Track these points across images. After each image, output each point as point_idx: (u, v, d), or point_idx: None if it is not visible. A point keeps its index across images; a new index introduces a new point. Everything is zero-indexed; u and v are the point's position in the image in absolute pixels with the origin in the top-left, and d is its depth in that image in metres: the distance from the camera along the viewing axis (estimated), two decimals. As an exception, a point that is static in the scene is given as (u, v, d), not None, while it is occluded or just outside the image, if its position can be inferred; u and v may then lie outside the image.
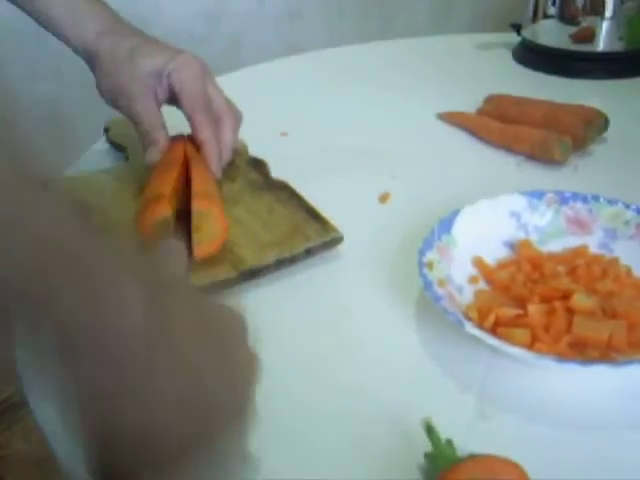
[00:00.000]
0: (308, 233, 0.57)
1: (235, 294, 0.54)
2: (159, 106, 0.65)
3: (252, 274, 0.54)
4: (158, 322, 0.27)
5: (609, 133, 0.74)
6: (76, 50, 0.67)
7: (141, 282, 0.26)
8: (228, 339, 0.33)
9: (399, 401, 0.44)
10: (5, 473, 1.44)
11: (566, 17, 0.97)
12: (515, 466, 0.35)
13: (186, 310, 0.30)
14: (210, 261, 0.55)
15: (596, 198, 0.56)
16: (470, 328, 0.44)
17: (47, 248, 0.24)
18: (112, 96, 0.65)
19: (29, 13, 0.69)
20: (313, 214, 0.59)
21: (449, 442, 0.38)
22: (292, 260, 0.56)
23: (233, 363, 0.33)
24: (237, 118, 0.67)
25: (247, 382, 0.34)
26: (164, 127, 0.64)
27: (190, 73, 0.64)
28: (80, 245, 0.25)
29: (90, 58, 0.66)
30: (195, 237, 0.54)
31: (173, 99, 0.65)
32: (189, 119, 0.64)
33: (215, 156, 0.63)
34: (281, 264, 0.55)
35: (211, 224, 0.55)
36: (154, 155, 0.63)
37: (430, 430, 0.38)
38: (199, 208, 0.55)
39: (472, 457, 0.35)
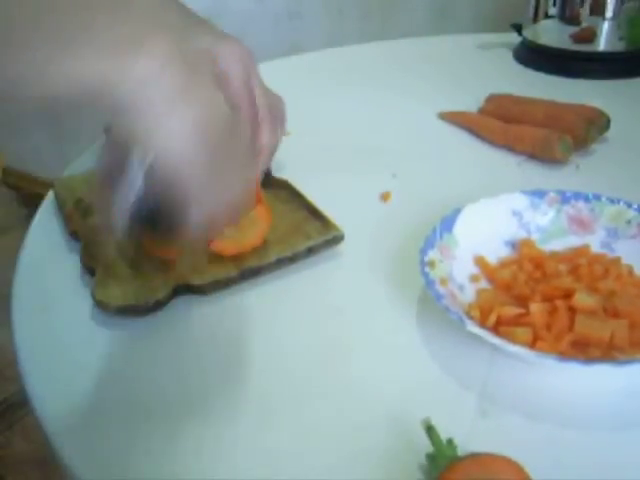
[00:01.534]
0: (309, 232, 0.57)
1: (236, 292, 0.54)
2: None
3: (253, 273, 0.54)
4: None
5: (610, 133, 0.74)
6: None
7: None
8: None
9: (400, 400, 0.44)
10: (5, 473, 1.44)
11: (567, 17, 0.97)
12: (515, 465, 0.35)
13: None
14: (212, 260, 0.55)
15: (598, 197, 0.56)
16: (472, 327, 0.44)
17: None
18: None
19: None
20: (314, 212, 0.59)
21: (450, 442, 0.38)
22: (293, 259, 0.56)
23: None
24: (279, 118, 0.65)
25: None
26: None
27: (234, 58, 0.62)
28: None
29: None
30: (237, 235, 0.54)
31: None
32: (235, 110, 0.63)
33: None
34: (282, 263, 0.55)
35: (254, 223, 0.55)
36: None
37: (430, 430, 0.38)
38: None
39: (471, 456, 0.35)
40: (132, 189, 0.38)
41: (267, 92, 0.64)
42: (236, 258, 0.55)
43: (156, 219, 0.40)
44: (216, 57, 0.60)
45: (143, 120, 0.36)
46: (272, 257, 0.55)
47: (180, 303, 0.53)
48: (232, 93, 0.61)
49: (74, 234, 0.60)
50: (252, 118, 0.61)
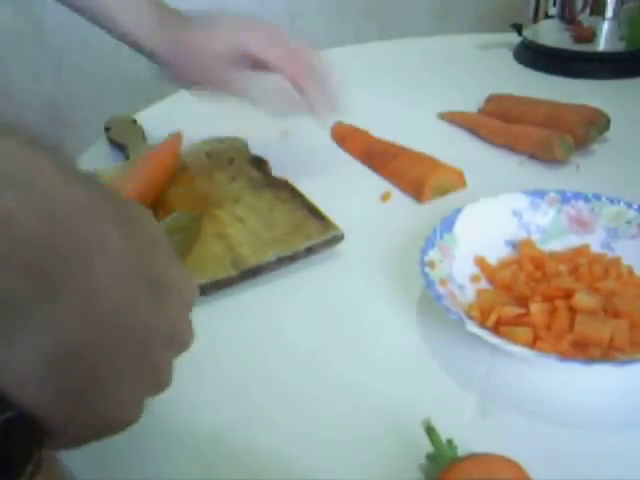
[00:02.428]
0: (309, 231, 0.57)
1: (236, 292, 0.54)
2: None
3: (253, 273, 0.54)
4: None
5: (610, 133, 0.74)
6: (138, 47, 0.66)
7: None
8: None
9: (400, 400, 0.44)
10: (4, 473, 1.44)
11: (567, 17, 0.97)
12: (514, 465, 0.35)
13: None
14: (211, 259, 0.54)
15: (598, 197, 0.56)
16: (472, 327, 0.44)
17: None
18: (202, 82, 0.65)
19: (81, 11, 0.67)
20: (314, 212, 0.59)
21: (450, 442, 0.37)
22: (293, 258, 0.56)
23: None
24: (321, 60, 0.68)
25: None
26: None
27: (267, 39, 0.66)
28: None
29: (153, 52, 0.65)
30: None
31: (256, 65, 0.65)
32: (295, 87, 0.65)
33: (318, 100, 0.65)
34: (282, 262, 0.55)
35: None
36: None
37: (430, 430, 0.38)
38: None
39: (471, 457, 0.35)
40: None
41: (294, 45, 0.67)
42: (236, 258, 0.55)
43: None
44: (246, 46, 0.64)
45: None
46: (272, 257, 0.55)
47: (179, 303, 0.52)
48: (285, 72, 0.64)
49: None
50: (313, 85, 0.65)
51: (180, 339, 0.33)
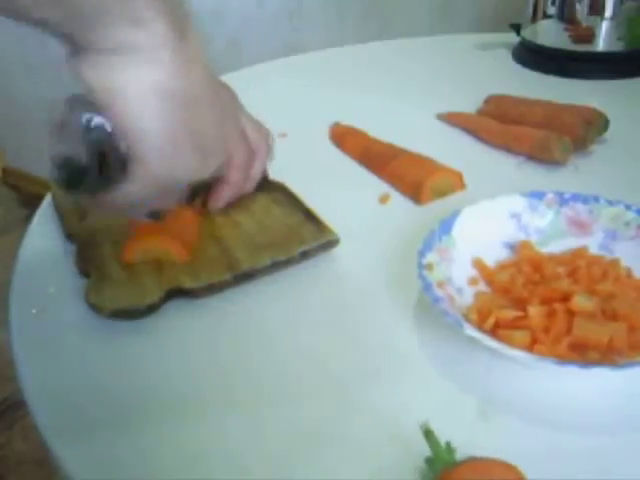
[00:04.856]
0: (304, 235, 0.57)
1: (230, 296, 0.54)
2: None
3: (247, 276, 0.54)
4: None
5: (609, 133, 0.74)
6: None
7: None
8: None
9: (398, 403, 0.44)
10: (5, 473, 1.45)
11: (566, 17, 0.97)
12: (510, 468, 0.35)
13: None
14: (205, 263, 0.54)
15: (596, 199, 0.56)
16: (470, 330, 0.44)
17: None
18: None
19: None
20: (310, 216, 0.59)
21: (448, 446, 0.37)
22: (288, 262, 0.55)
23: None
24: (269, 148, 0.63)
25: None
26: None
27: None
28: None
29: None
30: None
31: None
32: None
33: (227, 199, 0.60)
34: (277, 266, 0.55)
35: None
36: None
37: (428, 434, 0.38)
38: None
39: (468, 461, 0.35)
40: (70, 138, 0.40)
41: (251, 119, 0.63)
42: (230, 261, 0.55)
43: (89, 174, 0.41)
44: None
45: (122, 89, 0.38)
46: (267, 260, 0.55)
47: (173, 306, 0.52)
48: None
49: (70, 236, 0.60)
50: (245, 149, 0.60)
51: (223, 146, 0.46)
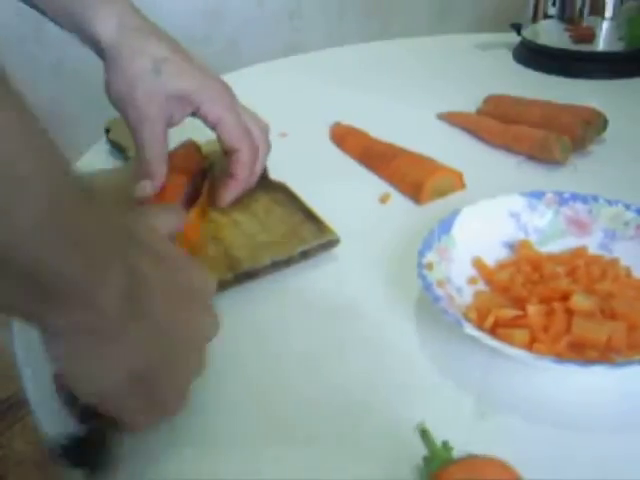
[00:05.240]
0: (304, 235, 0.57)
1: (231, 295, 0.54)
2: (167, 131, 0.60)
3: (248, 276, 0.54)
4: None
5: (608, 133, 0.74)
6: (90, 42, 0.60)
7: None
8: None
9: (398, 402, 0.44)
10: (5, 473, 1.44)
11: (566, 17, 0.97)
12: (506, 467, 0.35)
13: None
14: (206, 262, 0.55)
15: (595, 199, 0.56)
16: (469, 329, 0.44)
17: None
18: (120, 104, 0.59)
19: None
20: (310, 216, 0.59)
21: (445, 444, 0.38)
22: (288, 262, 0.56)
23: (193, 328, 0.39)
24: (268, 143, 0.65)
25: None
26: (166, 161, 0.60)
27: (224, 105, 0.60)
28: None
29: (104, 53, 0.59)
30: None
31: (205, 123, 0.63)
32: (231, 152, 0.61)
33: (235, 194, 0.62)
34: (277, 266, 0.55)
35: None
36: (147, 190, 0.59)
37: (425, 434, 0.38)
38: None
39: (462, 459, 0.35)
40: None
41: (250, 115, 0.64)
42: (231, 260, 0.55)
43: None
44: (199, 104, 0.60)
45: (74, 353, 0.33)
46: (267, 260, 0.55)
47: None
48: (231, 139, 0.61)
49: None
50: (253, 156, 0.61)
51: (208, 333, 0.41)
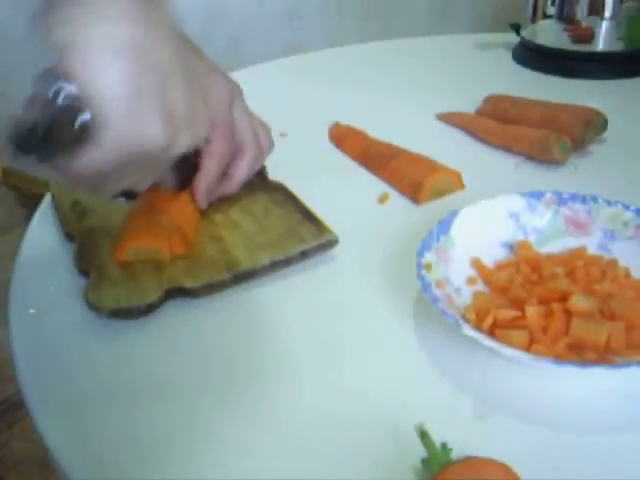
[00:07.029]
0: (303, 235, 0.57)
1: (229, 295, 0.54)
2: None
3: (247, 276, 0.54)
4: None
5: (608, 133, 0.74)
6: None
7: None
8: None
9: (397, 403, 0.44)
10: (5, 473, 1.45)
11: (565, 17, 0.97)
12: (505, 468, 0.35)
13: None
14: (205, 262, 0.55)
15: (595, 199, 0.56)
16: (468, 330, 0.44)
17: None
18: None
19: None
20: (309, 216, 0.59)
21: (444, 446, 0.37)
22: (287, 262, 0.56)
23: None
24: (262, 151, 0.63)
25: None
26: None
27: (215, 97, 0.59)
28: None
29: None
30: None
31: None
32: (206, 144, 0.60)
33: (203, 188, 0.59)
34: (276, 266, 0.55)
35: None
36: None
37: (423, 435, 0.38)
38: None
39: (462, 461, 0.35)
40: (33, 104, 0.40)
41: (254, 120, 0.63)
42: (230, 261, 0.55)
43: (46, 141, 0.40)
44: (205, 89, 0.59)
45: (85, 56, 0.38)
46: (266, 260, 0.55)
47: (173, 306, 0.53)
48: (211, 112, 0.58)
49: (69, 236, 0.61)
50: (227, 138, 0.59)
51: (197, 118, 0.44)
